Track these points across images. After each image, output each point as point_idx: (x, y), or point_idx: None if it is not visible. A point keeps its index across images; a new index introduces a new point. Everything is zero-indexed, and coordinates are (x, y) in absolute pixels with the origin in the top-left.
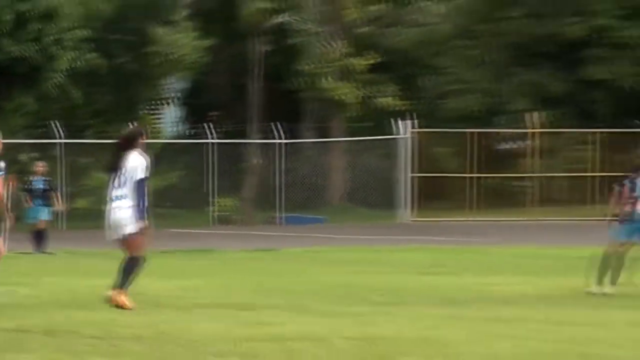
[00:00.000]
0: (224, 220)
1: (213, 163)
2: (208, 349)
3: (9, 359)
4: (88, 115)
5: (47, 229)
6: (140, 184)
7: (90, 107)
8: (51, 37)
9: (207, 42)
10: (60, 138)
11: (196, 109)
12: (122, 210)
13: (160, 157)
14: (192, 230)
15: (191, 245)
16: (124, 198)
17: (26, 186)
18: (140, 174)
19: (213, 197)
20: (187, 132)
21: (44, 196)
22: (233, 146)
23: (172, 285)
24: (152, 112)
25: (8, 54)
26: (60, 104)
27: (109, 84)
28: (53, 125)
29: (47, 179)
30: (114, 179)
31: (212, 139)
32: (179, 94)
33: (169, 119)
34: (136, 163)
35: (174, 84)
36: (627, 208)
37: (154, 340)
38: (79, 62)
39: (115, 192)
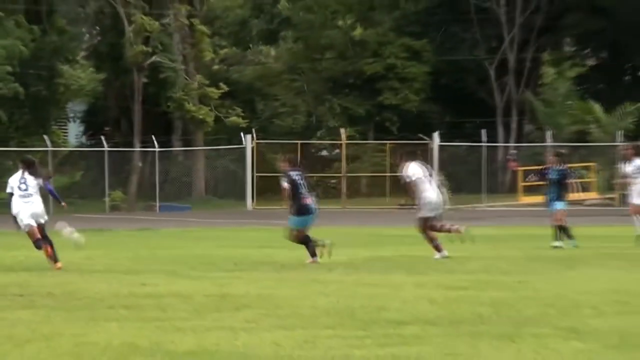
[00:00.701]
0: (115, 208)
1: (107, 165)
2: (102, 303)
3: None
4: (12, 130)
5: None
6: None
7: (13, 124)
8: None
9: (100, 76)
10: None
11: (93, 125)
12: (38, 205)
13: (67, 161)
14: (92, 216)
15: (91, 227)
16: (33, 196)
17: None
18: (49, 185)
19: (107, 190)
20: (87, 142)
21: None
22: (121, 153)
23: (76, 255)
24: (60, 127)
25: None
26: None
27: (27, 107)
28: None
29: None
30: (20, 184)
31: (106, 147)
32: (80, 114)
33: (73, 133)
34: (39, 178)
35: (76, 107)
36: (304, 202)
37: (62, 296)
38: (5, 90)
39: (24, 192)
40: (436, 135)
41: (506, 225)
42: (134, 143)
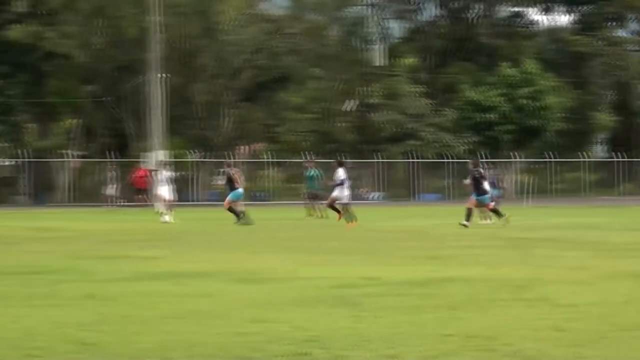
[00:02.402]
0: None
1: (622, 171)
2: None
3: None
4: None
5: None
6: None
7: (555, 147)
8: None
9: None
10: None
11: (611, 145)
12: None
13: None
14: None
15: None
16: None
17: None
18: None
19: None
20: (608, 156)
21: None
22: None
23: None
24: (588, 148)
25: None
26: None
27: (569, 137)
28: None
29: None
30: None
31: (619, 159)
32: (604, 139)
33: (597, 150)
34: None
35: (601, 135)
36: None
37: (592, 245)
38: (559, 127)
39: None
40: None
41: None
42: None
